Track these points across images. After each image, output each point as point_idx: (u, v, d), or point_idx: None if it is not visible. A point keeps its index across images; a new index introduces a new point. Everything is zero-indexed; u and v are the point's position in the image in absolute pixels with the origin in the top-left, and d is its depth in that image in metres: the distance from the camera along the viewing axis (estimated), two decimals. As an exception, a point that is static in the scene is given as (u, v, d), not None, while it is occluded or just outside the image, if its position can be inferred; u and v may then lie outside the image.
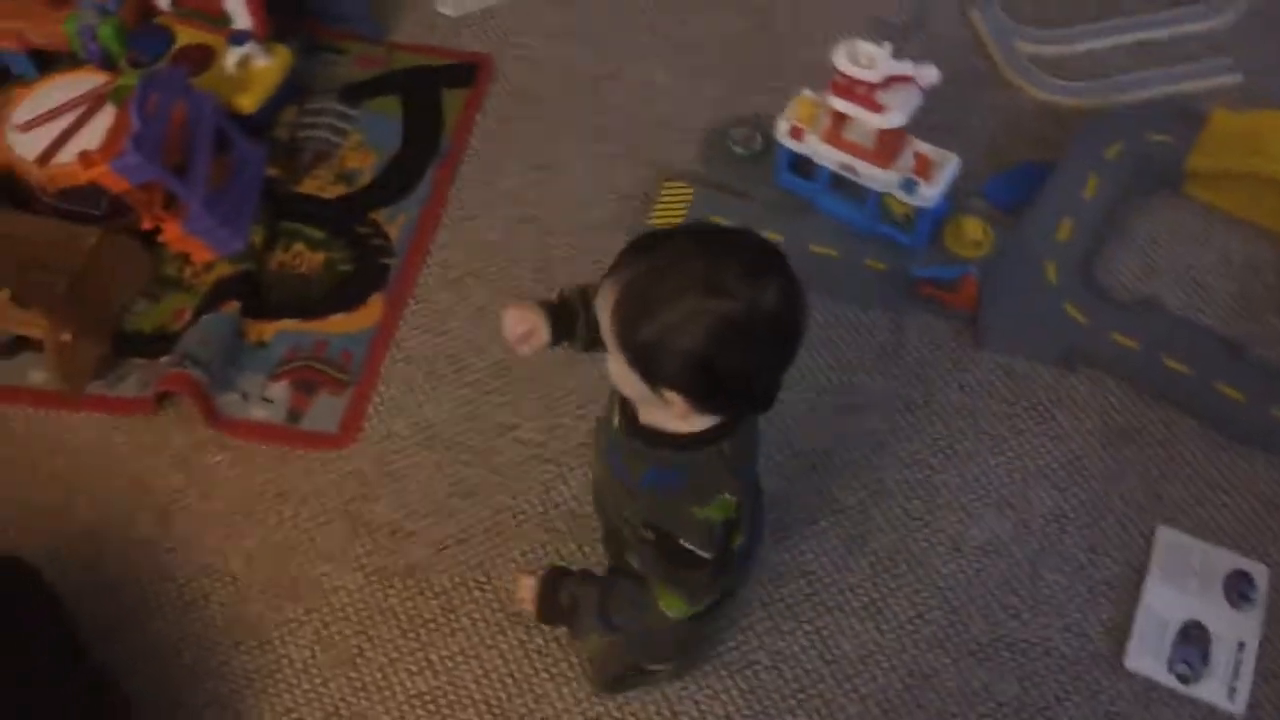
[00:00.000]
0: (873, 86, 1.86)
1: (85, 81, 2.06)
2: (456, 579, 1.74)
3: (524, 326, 1.26)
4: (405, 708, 1.65)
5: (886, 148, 1.94)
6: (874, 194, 2.00)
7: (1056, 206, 2.06)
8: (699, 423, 1.10)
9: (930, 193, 1.93)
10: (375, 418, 1.89)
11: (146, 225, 1.98)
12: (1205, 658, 1.64)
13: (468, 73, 2.31)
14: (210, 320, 1.93)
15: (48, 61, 2.22)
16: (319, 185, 2.14)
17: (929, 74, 1.84)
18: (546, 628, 1.39)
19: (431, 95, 2.27)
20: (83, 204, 1.99)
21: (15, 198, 2.05)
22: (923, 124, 1.92)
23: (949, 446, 1.85)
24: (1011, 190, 2.12)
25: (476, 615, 1.71)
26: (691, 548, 1.14)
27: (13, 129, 2.00)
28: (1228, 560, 1.73)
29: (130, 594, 1.74)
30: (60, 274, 1.87)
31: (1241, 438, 1.84)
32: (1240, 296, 2.02)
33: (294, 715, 1.64)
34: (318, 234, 2.08)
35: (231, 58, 2.11)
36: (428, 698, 1.65)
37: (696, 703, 1.63)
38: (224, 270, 2.01)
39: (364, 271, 2.04)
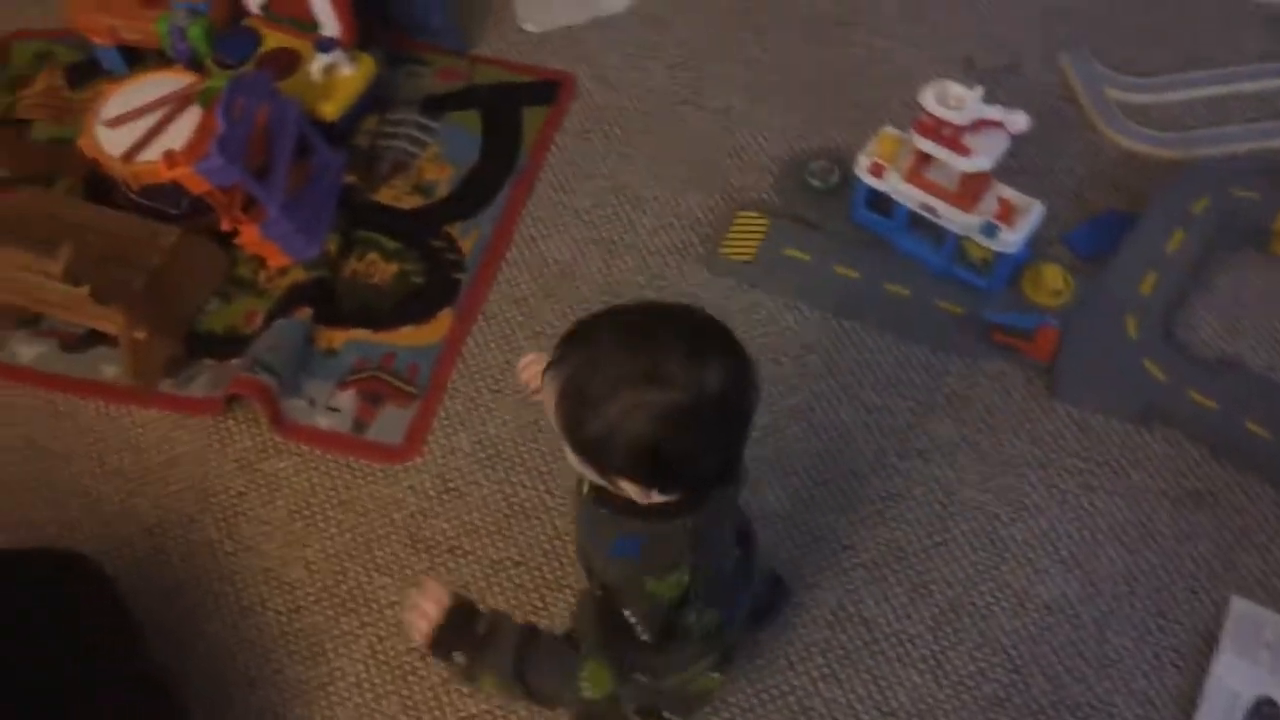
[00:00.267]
0: (960, 129, 1.83)
1: (173, 81, 2.08)
2: (512, 601, 1.74)
3: (537, 367, 1.20)
4: (456, 729, 1.64)
5: (969, 190, 1.91)
6: (953, 236, 1.97)
7: (1140, 259, 2.02)
8: (660, 497, 1.07)
9: (1012, 238, 1.90)
10: (439, 433, 1.89)
11: (225, 227, 1.99)
12: (1276, 736, 1.60)
13: (549, 90, 2.31)
14: (282, 325, 1.94)
15: (137, 58, 2.25)
16: (395, 195, 2.15)
17: (1018, 121, 1.81)
18: (428, 655, 1.18)
19: (512, 111, 2.28)
20: (164, 202, 2.01)
21: (99, 191, 2.08)
22: (1006, 167, 1.89)
23: (1018, 499, 1.81)
24: (1094, 239, 2.08)
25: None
26: (633, 621, 1.12)
27: (101, 124, 2.02)
28: (1303, 636, 1.68)
29: (189, 595, 1.75)
30: (139, 271, 1.89)
31: (1322, 509, 1.79)
32: (1325, 362, 1.98)
33: (310, 684, 1.65)
34: (392, 244, 2.09)
35: (317, 64, 2.13)
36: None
37: (748, 745, 1.62)
38: (298, 276, 2.02)
39: (435, 285, 2.04)
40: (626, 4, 2.47)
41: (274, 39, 2.18)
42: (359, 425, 1.88)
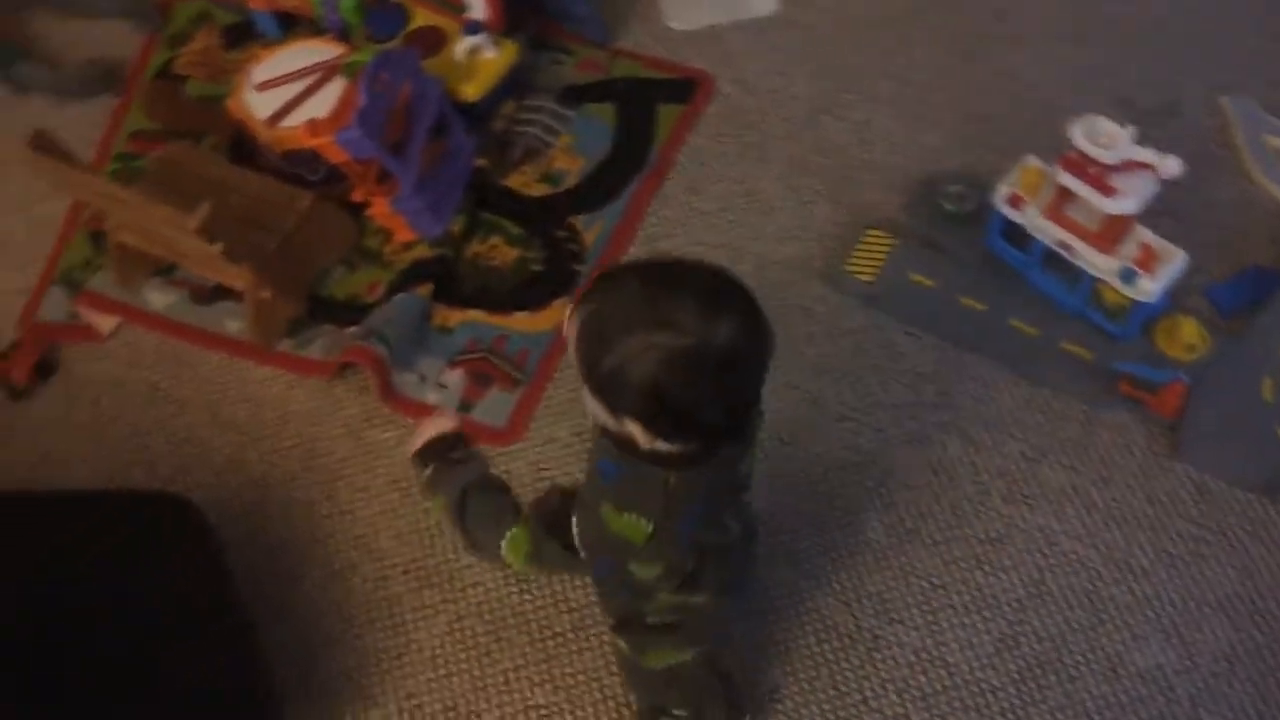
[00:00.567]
0: (1108, 168, 1.75)
1: (322, 51, 2.14)
2: (592, 596, 1.74)
3: None
4: (521, 716, 1.65)
5: (1111, 232, 1.83)
6: (1088, 277, 1.89)
7: (1285, 321, 1.91)
8: (664, 445, 1.08)
9: (1151, 287, 1.81)
10: (541, 420, 1.91)
11: (357, 197, 2.04)
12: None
13: (686, 89, 2.30)
14: (402, 299, 1.98)
15: (291, 25, 2.32)
16: (524, 182, 2.17)
17: (1170, 165, 1.72)
18: (412, 458, 1.30)
19: (647, 107, 2.27)
20: (302, 168, 2.07)
21: (243, 152, 2.15)
22: (1152, 211, 1.80)
23: (1124, 559, 1.74)
24: (1237, 296, 1.97)
25: (607, 637, 1.71)
26: (576, 532, 1.15)
27: (251, 87, 2.09)
28: None
29: (285, 552, 1.80)
30: (272, 233, 1.95)
31: None
32: None
33: (414, 701, 1.67)
34: (516, 230, 2.11)
35: (462, 46, 2.15)
36: (545, 711, 1.66)
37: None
38: (422, 252, 2.06)
39: (553, 273, 2.06)
40: (775, 7, 2.44)
41: (423, 17, 2.22)
42: (465, 404, 1.91)
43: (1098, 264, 1.86)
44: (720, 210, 2.15)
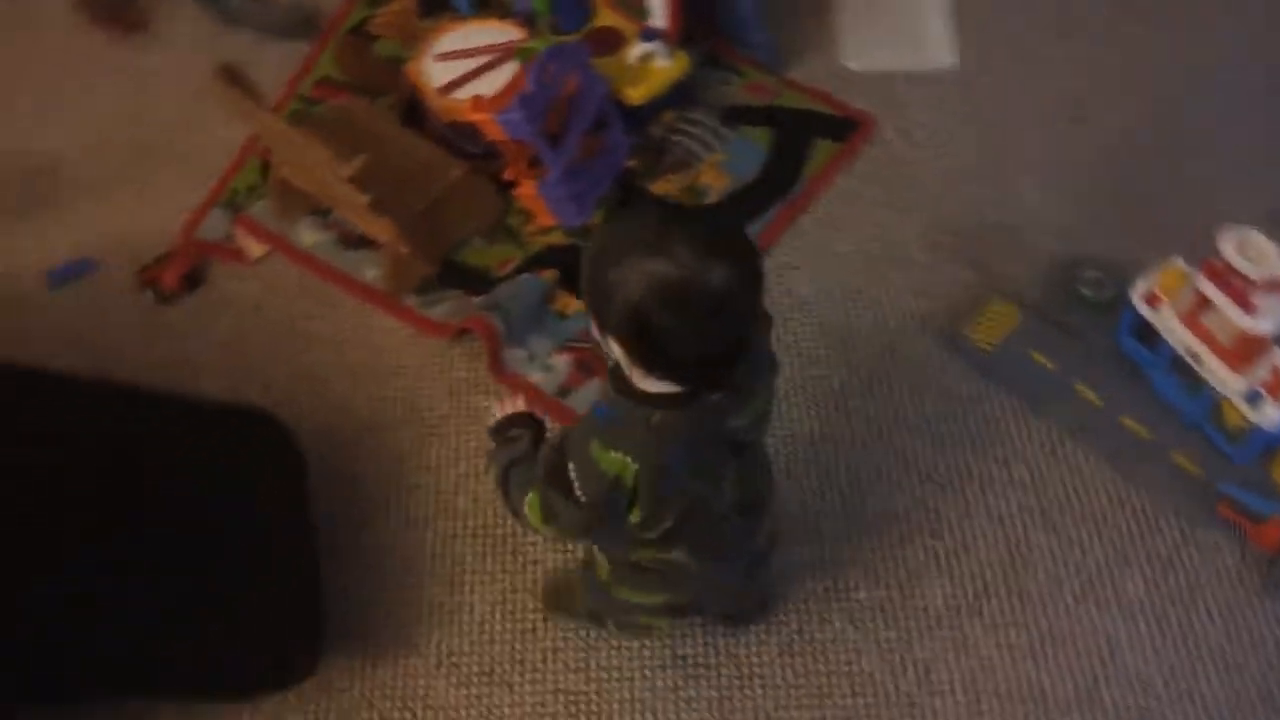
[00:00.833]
0: (1252, 284, 1.69)
1: (504, 33, 2.24)
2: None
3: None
4: (549, 697, 1.70)
5: (1244, 351, 1.76)
6: (1213, 392, 1.82)
7: None
8: (652, 385, 1.14)
9: (1275, 414, 1.74)
10: (631, 421, 1.95)
11: (508, 176, 2.13)
12: None
13: (847, 128, 2.31)
14: (527, 279, 2.05)
15: (484, 3, 2.43)
16: (667, 189, 2.21)
17: (1318, 292, 1.65)
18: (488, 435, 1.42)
19: (804, 139, 2.29)
20: (464, 140, 2.17)
21: (414, 115, 2.27)
22: (1292, 338, 1.73)
23: (1189, 688, 1.67)
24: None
25: (648, 641, 1.74)
26: (573, 477, 1.19)
27: (432, 56, 2.20)
28: None
29: (368, 494, 1.90)
30: (422, 195, 2.06)
31: None
32: None
33: (454, 659, 1.74)
34: (650, 234, 2.16)
35: (636, 50, 2.22)
36: (572, 697, 1.70)
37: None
38: (557, 238, 2.13)
39: (676, 283, 2.09)
40: (954, 61, 2.42)
41: (606, 16, 2.29)
42: (563, 390, 1.97)
43: (1225, 380, 1.79)
44: (853, 251, 2.15)
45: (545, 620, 1.77)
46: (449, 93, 2.15)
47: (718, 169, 2.25)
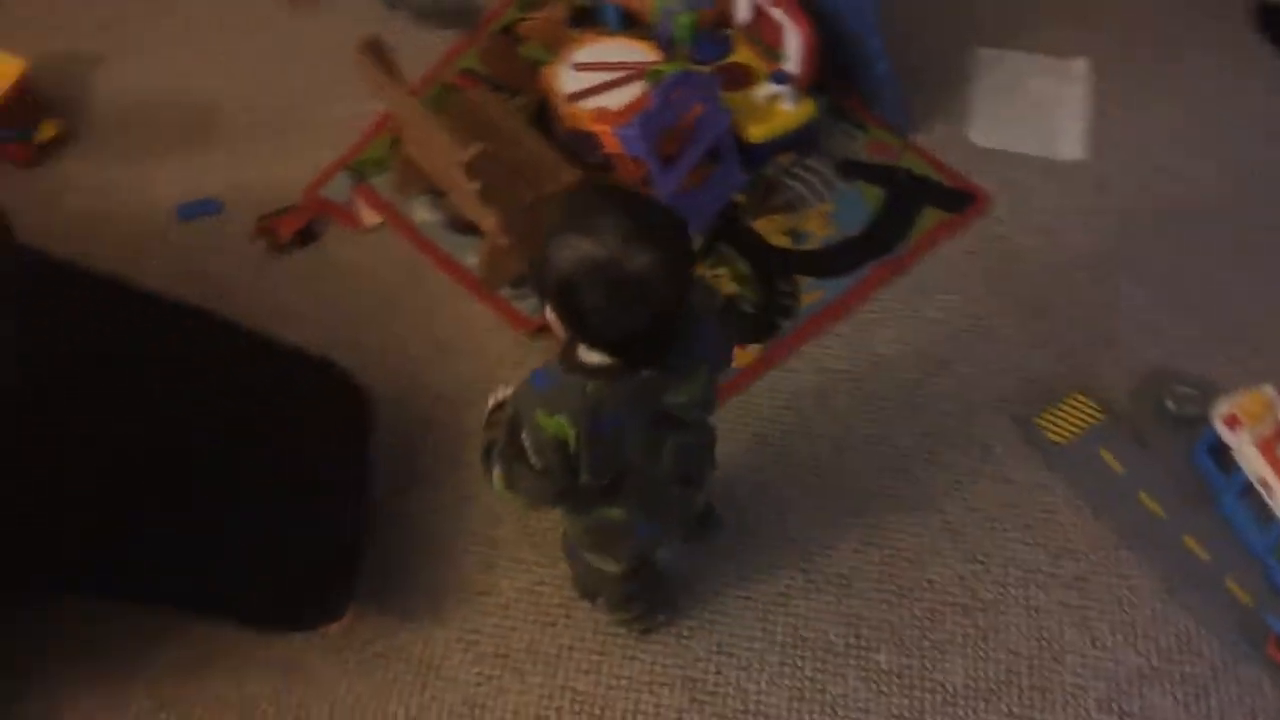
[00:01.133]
0: (1336, 421, 1.65)
1: (641, 53, 2.31)
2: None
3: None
4: (556, 692, 1.74)
5: (1319, 488, 1.71)
6: (1280, 525, 1.78)
7: None
8: (591, 357, 1.27)
9: (1341, 559, 1.68)
10: (689, 444, 1.99)
11: (617, 188, 2.19)
12: None
13: (961, 201, 2.31)
14: (616, 289, 2.11)
15: (629, 23, 2.50)
16: (771, 229, 2.25)
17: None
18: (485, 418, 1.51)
19: (915, 204, 2.30)
20: (582, 148, 2.24)
21: (542, 117, 2.35)
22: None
23: (1199, 817, 1.62)
24: None
25: (662, 658, 1.77)
26: (526, 444, 1.30)
27: (569, 65, 2.29)
28: None
29: (426, 462, 1.97)
30: (531, 192, 2.12)
31: None
32: None
33: (474, 637, 1.80)
34: (744, 269, 2.20)
35: (764, 90, 2.26)
36: (578, 697, 1.73)
37: None
38: (652, 256, 2.18)
39: (760, 320, 2.13)
40: (1083, 155, 2.40)
41: (742, 53, 2.35)
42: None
43: (1295, 515, 1.74)
44: (941, 320, 2.15)
45: (568, 617, 1.81)
46: (576, 101, 2.22)
47: (824, 218, 2.28)
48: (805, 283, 2.18)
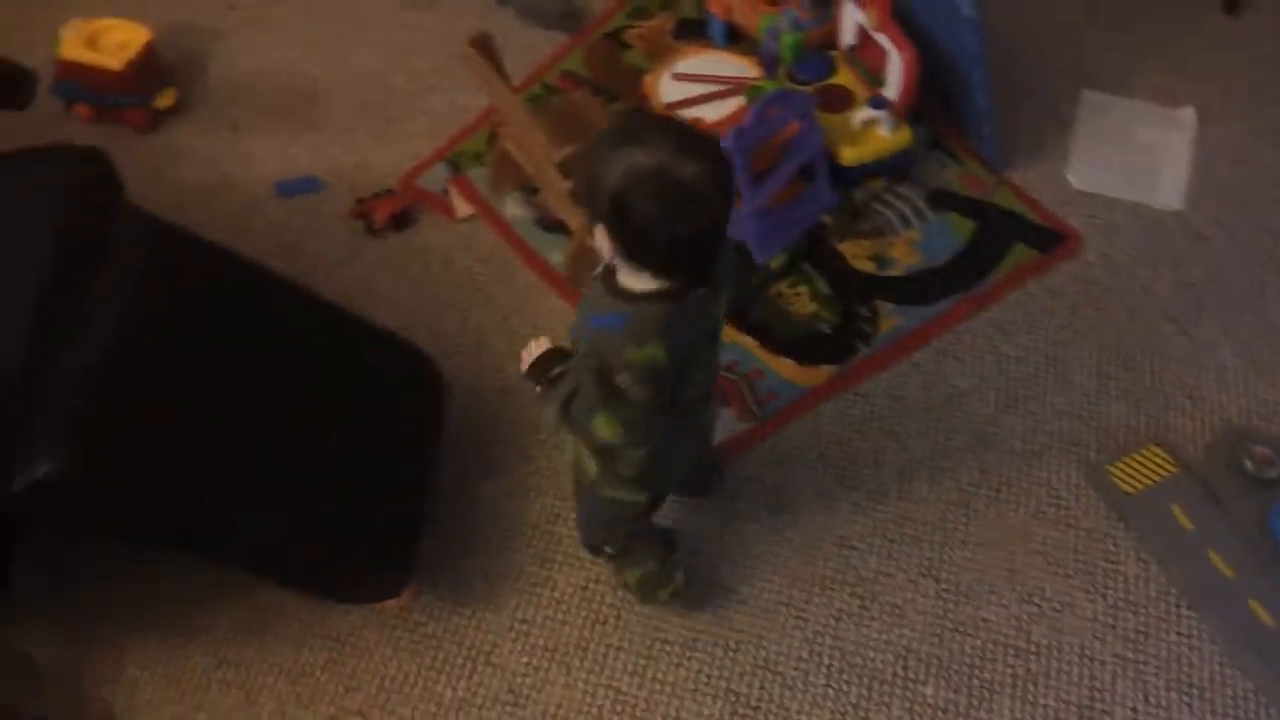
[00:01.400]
0: None
1: (741, 68, 2.34)
2: (715, 626, 1.83)
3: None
4: (600, 691, 1.77)
5: (1397, 565, 1.67)
6: (1353, 599, 1.73)
7: None
8: (639, 284, 1.32)
9: None
10: (750, 461, 2.00)
11: (705, 200, 2.21)
12: None
13: (1051, 241, 2.29)
14: (695, 299, 2.13)
15: (734, 38, 2.53)
16: (853, 251, 2.26)
17: None
18: (525, 377, 1.55)
19: (1004, 240, 2.28)
20: (675, 156, 2.27)
21: (638, 123, 2.38)
22: None
23: None
24: None
25: (707, 668, 1.78)
26: (624, 385, 1.34)
27: (670, 74, 2.32)
28: None
29: (495, 452, 2.02)
30: (621, 196, 2.16)
31: None
32: None
33: (525, 627, 1.83)
34: (825, 289, 2.20)
35: (861, 114, 2.27)
36: (620, 697, 1.76)
37: None
38: (734, 269, 2.20)
39: (836, 342, 2.13)
40: (1181, 205, 2.36)
41: (843, 76, 2.35)
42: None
43: (1369, 590, 1.70)
44: (1019, 359, 2.13)
45: (618, 618, 1.83)
46: (674, 110, 2.25)
47: (910, 246, 2.27)
48: (885, 309, 2.18)
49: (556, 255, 2.25)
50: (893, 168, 2.34)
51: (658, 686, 1.77)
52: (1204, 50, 2.67)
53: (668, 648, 1.81)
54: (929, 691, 1.76)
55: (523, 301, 2.22)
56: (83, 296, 1.60)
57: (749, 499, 1.95)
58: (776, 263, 2.21)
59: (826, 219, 2.28)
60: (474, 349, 2.16)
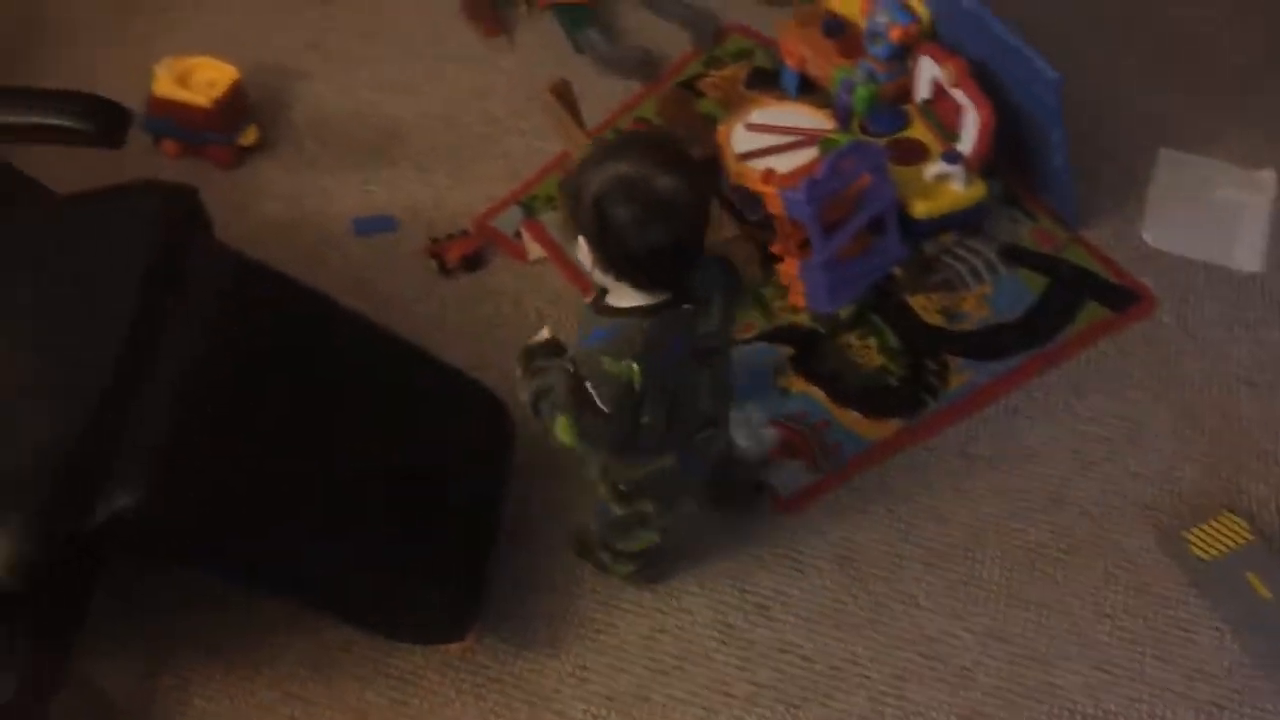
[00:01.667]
0: None
1: (815, 120, 2.34)
2: (780, 682, 1.82)
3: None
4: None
5: None
6: None
7: None
8: (627, 300, 1.40)
9: None
10: (816, 511, 1.99)
11: (775, 249, 2.23)
12: None
13: (1125, 300, 2.26)
14: (763, 348, 2.15)
15: (807, 89, 2.54)
16: (923, 305, 2.25)
17: None
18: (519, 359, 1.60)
19: (1077, 298, 2.26)
20: (745, 205, 2.29)
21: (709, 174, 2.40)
22: None
23: None
24: None
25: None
26: (592, 390, 1.39)
27: (743, 124, 2.34)
28: None
29: (562, 494, 2.01)
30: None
31: None
32: None
33: (584, 674, 1.84)
34: (894, 342, 2.20)
35: (934, 168, 2.26)
36: None
37: None
38: (802, 320, 2.21)
39: (903, 395, 2.12)
40: (1260, 268, 2.33)
41: (917, 129, 2.35)
42: (762, 462, 2.02)
43: None
44: (1090, 419, 2.10)
45: (680, 669, 1.82)
46: (746, 160, 2.27)
47: (981, 300, 2.26)
48: (956, 364, 2.16)
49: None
50: (964, 222, 2.33)
51: (718, 737, 1.76)
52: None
53: (730, 701, 1.79)
54: (988, 754, 1.73)
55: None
56: (164, 330, 1.64)
57: (815, 552, 1.94)
58: (845, 314, 2.21)
59: (897, 271, 2.27)
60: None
